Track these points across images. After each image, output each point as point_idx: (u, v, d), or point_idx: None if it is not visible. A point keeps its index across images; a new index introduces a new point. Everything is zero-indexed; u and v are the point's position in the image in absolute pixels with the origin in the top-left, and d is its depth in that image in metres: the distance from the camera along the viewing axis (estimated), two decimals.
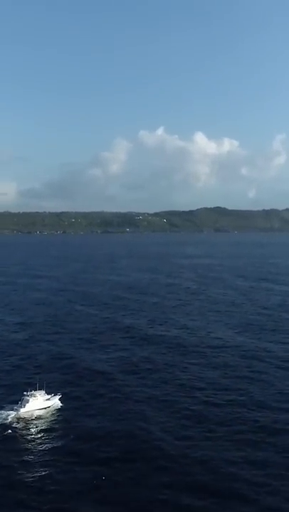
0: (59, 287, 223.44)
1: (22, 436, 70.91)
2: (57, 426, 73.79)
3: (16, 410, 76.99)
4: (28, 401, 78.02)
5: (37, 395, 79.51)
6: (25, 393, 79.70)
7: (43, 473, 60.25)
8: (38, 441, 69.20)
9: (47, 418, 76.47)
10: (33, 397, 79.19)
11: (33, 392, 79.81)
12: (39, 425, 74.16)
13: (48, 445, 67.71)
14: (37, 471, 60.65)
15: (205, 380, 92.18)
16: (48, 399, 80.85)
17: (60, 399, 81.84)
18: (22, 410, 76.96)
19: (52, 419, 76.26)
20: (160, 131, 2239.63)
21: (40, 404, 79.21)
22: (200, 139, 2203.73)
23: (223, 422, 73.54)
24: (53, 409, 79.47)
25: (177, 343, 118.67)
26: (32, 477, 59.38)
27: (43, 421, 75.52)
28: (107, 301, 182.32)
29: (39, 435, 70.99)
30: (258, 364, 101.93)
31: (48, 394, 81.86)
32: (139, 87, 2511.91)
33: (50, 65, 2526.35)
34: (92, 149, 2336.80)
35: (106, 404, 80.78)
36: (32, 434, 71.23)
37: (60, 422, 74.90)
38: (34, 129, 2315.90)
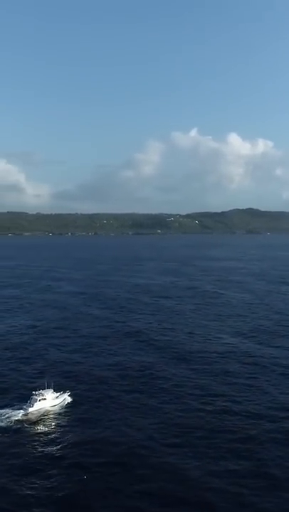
0: (78, 290, 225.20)
1: (22, 437, 72.26)
2: (55, 428, 75.01)
3: (25, 409, 78.94)
4: (36, 400, 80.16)
5: (45, 394, 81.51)
6: (33, 392, 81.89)
7: (25, 477, 60.85)
8: (34, 443, 70.10)
9: (51, 419, 77.81)
10: (41, 396, 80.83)
11: (41, 391, 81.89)
12: (41, 426, 75.25)
13: (40, 448, 68.51)
14: (20, 475, 61.26)
15: (204, 386, 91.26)
16: (57, 397, 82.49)
17: (69, 395, 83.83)
18: (30, 409, 78.97)
19: (55, 420, 77.79)
20: (193, 132, 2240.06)
21: (48, 403, 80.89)
22: (234, 139, 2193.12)
23: (214, 431, 72.56)
24: (60, 408, 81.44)
25: (183, 349, 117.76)
26: (12, 481, 60.09)
27: (46, 421, 76.85)
28: (124, 305, 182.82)
29: (37, 437, 72.09)
30: (260, 371, 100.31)
31: (57, 392, 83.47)
32: (172, 87, 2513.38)
33: (83, 69, 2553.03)
34: (126, 151, 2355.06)
35: (101, 410, 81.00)
36: (30, 436, 72.37)
37: (59, 426, 75.99)
38: (68, 133, 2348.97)
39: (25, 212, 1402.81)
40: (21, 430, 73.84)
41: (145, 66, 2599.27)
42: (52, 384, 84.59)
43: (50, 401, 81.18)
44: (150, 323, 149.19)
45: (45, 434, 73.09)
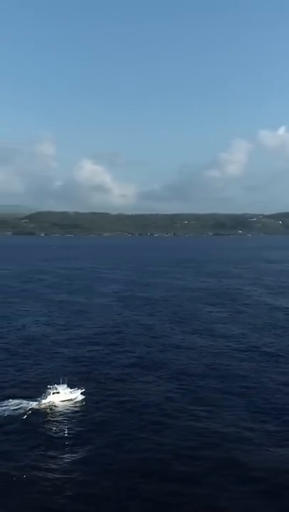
0: (121, 293, 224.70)
1: (30, 424, 77.60)
2: (59, 421, 79.10)
3: (38, 401, 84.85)
4: (49, 393, 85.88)
5: (59, 389, 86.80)
6: (48, 386, 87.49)
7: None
8: (37, 430, 75.08)
9: (60, 412, 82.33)
10: (55, 390, 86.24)
11: (55, 386, 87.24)
12: (48, 417, 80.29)
13: (36, 440, 72.01)
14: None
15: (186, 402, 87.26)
16: (70, 392, 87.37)
17: (82, 393, 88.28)
18: (43, 401, 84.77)
19: (61, 413, 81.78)
20: (281, 130, 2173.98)
21: (60, 397, 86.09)
22: None
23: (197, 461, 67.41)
24: (71, 403, 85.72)
25: (193, 363, 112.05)
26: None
27: (53, 413, 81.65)
28: (159, 309, 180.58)
29: (41, 426, 76.95)
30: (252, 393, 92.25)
31: (70, 388, 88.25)
32: (260, 85, 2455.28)
33: (163, 68, 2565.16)
34: (212, 150, 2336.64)
35: (102, 417, 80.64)
36: (35, 427, 76.76)
37: (63, 419, 79.88)
38: (153, 133, 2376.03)
39: (108, 212, 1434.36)
40: (31, 418, 79.47)
41: (229, 61, 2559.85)
42: (66, 380, 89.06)
43: (62, 395, 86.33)
44: (173, 330, 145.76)
45: (49, 424, 77.82)
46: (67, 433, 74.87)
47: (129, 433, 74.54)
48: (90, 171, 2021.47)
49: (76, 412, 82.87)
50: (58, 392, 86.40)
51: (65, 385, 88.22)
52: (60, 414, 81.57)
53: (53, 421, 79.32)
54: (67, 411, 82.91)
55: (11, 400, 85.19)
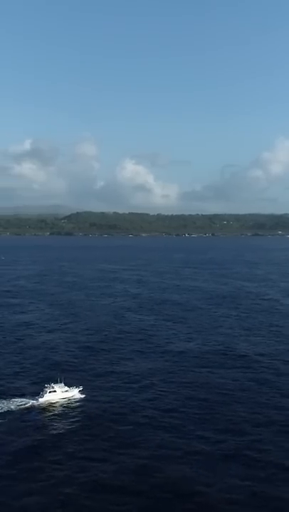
0: (135, 296, 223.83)
1: (23, 424, 78.28)
2: (53, 419, 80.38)
3: (35, 400, 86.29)
4: (46, 392, 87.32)
5: (56, 387, 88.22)
6: (45, 385, 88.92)
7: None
8: (30, 433, 75.22)
9: (56, 411, 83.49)
10: (52, 389, 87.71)
11: (52, 384, 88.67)
12: (43, 416, 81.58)
13: (32, 439, 72.96)
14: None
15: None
16: (66, 391, 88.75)
17: (80, 391, 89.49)
18: (40, 400, 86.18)
19: (58, 413, 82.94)
20: None
21: (57, 395, 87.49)
22: None
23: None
24: (68, 402, 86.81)
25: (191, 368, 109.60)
26: None
27: (51, 413, 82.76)
28: (169, 312, 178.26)
29: (35, 428, 77.46)
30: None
31: (67, 387, 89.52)
32: None
33: (204, 67, 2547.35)
34: (256, 150, 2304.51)
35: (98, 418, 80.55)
36: (31, 425, 77.93)
37: (58, 417, 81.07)
38: (194, 133, 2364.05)
39: (147, 213, 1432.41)
40: (27, 417, 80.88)
41: (269, 59, 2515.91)
42: (63, 379, 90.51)
43: (59, 394, 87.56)
44: (176, 334, 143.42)
45: (44, 423, 79.02)
46: (63, 433, 75.24)
47: (103, 443, 72.43)
48: (131, 171, 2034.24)
49: (72, 411, 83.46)
50: (54, 391, 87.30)
51: (62, 384, 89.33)
52: (56, 413, 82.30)
53: (48, 420, 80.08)
54: (63, 410, 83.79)
55: (7, 399, 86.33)
